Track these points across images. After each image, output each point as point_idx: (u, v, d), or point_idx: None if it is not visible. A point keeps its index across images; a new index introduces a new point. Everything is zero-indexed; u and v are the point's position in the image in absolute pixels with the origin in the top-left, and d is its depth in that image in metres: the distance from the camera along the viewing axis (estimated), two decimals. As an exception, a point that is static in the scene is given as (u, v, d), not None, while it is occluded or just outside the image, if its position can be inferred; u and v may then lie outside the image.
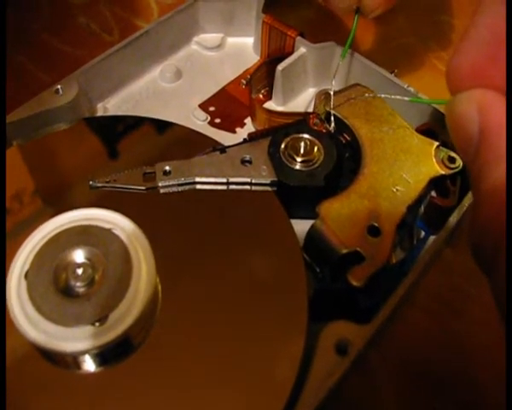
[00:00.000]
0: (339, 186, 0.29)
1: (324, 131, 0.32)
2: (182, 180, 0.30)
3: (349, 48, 0.35)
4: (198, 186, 0.30)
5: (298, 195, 0.30)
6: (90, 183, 0.30)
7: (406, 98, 0.32)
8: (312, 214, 0.31)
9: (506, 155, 0.16)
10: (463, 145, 0.17)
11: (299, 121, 0.33)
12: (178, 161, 0.31)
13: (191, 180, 0.30)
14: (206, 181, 0.30)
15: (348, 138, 0.31)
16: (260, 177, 0.30)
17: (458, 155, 0.30)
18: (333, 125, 0.32)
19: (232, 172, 0.30)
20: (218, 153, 0.31)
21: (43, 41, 0.44)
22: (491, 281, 0.16)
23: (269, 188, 0.30)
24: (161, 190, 0.30)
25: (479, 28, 0.17)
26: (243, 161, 0.31)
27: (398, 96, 0.32)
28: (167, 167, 0.30)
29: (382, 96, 0.33)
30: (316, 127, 0.32)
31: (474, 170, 0.17)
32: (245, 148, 0.32)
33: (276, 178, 0.30)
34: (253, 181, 0.30)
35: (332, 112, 0.32)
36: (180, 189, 0.30)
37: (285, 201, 0.30)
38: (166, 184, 0.30)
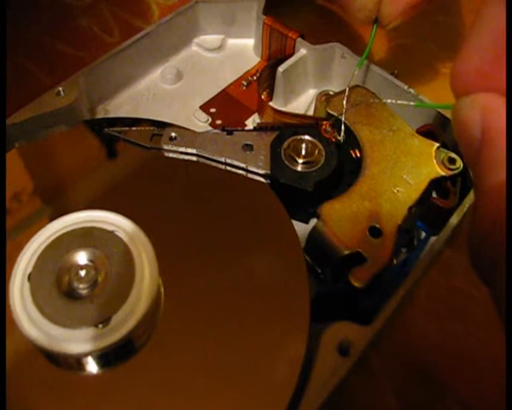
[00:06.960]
0: (330, 197, 0.29)
1: (334, 140, 0.32)
2: (183, 149, 0.32)
3: (366, 58, 0.35)
4: (198, 159, 0.32)
5: (288, 194, 0.30)
6: (105, 130, 0.32)
7: (411, 103, 0.32)
8: (302, 217, 0.31)
9: (506, 159, 0.15)
10: (466, 148, 0.17)
11: (311, 125, 0.33)
12: (185, 131, 0.33)
13: (192, 151, 0.32)
14: (206, 156, 0.32)
15: (358, 155, 0.31)
16: (256, 166, 0.31)
17: (458, 156, 0.30)
18: (342, 134, 0.32)
19: (231, 153, 0.31)
20: (224, 133, 0.32)
21: (43, 43, 0.44)
22: (492, 293, 0.16)
23: (262, 179, 0.31)
24: (165, 154, 0.32)
25: (481, 32, 0.17)
26: (245, 146, 0.32)
27: (403, 102, 0.32)
28: (173, 134, 0.32)
29: (388, 101, 0.33)
30: (326, 134, 0.32)
31: (476, 174, 0.17)
32: (250, 134, 0.32)
33: (269, 171, 0.31)
34: (249, 168, 0.31)
35: (342, 128, 0.32)
36: (181, 156, 0.32)
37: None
38: (170, 148, 0.32)
